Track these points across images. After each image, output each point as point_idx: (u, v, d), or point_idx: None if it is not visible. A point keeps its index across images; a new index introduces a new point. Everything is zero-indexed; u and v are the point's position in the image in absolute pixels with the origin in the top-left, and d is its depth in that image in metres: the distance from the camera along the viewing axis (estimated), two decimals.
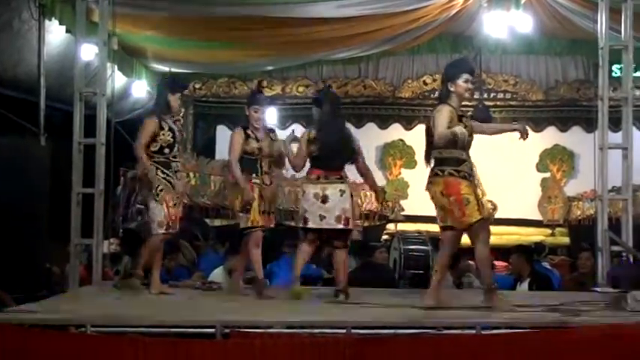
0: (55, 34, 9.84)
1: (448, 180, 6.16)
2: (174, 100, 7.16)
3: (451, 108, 6.19)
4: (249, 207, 6.99)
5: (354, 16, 11.78)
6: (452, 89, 6.26)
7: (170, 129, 7.06)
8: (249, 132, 7.16)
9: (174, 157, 7.11)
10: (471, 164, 6.24)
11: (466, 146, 6.22)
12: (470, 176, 6.19)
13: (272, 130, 7.38)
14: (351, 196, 7.07)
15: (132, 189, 10.84)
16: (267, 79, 15.48)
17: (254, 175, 7.09)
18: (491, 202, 13.09)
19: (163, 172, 7.00)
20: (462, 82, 6.25)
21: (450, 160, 6.18)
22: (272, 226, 7.31)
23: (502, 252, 9.53)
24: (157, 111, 7.14)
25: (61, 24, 9.54)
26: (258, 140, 7.13)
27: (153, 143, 6.99)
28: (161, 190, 6.97)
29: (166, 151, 7.04)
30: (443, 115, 6.12)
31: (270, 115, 14.76)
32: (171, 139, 7.04)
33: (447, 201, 6.16)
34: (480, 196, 6.29)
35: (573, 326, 5.52)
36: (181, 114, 14.04)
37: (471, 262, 9.14)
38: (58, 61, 10.06)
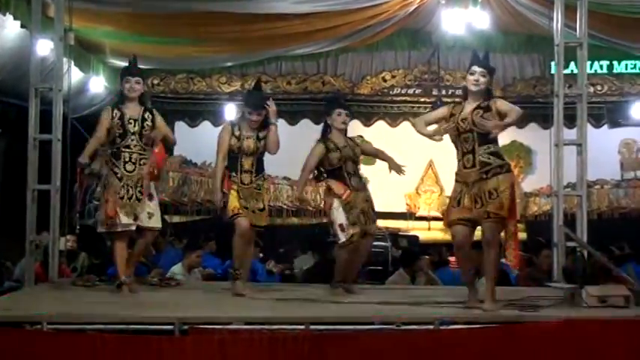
0: (10, 29, 9.71)
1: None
2: (128, 85, 7.06)
3: None
4: (226, 204, 6.86)
5: (311, 12, 11.77)
6: None
7: (120, 117, 6.96)
8: (234, 128, 7.02)
9: (127, 146, 6.97)
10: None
11: None
12: None
13: (267, 126, 7.07)
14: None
15: (89, 185, 10.73)
16: (227, 75, 15.44)
17: (233, 173, 6.94)
18: None
19: (113, 164, 6.94)
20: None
21: None
22: (262, 224, 7.08)
23: None
24: (115, 101, 7.12)
25: (15, 19, 9.41)
26: (239, 138, 6.96)
27: (108, 135, 6.97)
28: (104, 187, 6.98)
29: (118, 140, 6.97)
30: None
31: (230, 112, 14.81)
32: (121, 129, 6.93)
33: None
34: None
35: (531, 321, 5.58)
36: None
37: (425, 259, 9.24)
38: (12, 55, 9.93)
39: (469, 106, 6.22)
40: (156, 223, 7.13)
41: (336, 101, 7.46)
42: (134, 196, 6.95)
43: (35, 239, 7.70)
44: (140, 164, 7.00)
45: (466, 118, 6.16)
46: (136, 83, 7.10)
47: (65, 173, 7.83)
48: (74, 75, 10.56)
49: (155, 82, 15.41)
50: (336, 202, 7.03)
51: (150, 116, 7.09)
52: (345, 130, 7.25)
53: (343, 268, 7.10)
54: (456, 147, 6.25)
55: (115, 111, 7.01)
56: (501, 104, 6.21)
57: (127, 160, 6.97)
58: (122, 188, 6.92)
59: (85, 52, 12.14)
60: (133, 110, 7.05)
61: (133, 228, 6.99)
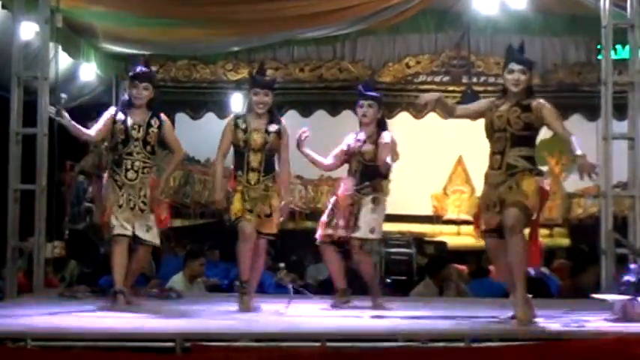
0: None
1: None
2: (135, 90, 7.15)
3: None
4: (232, 202, 6.88)
5: None
6: None
7: (124, 122, 7.04)
8: (239, 121, 7.04)
9: (130, 153, 7.07)
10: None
11: None
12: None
13: (279, 121, 7.14)
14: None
15: (78, 185, 10.75)
16: (233, 62, 15.42)
17: (239, 171, 6.96)
18: None
19: (114, 171, 7.06)
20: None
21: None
22: (273, 231, 7.12)
23: None
24: (120, 103, 7.22)
25: None
26: (245, 131, 6.98)
27: (111, 139, 7.11)
28: (104, 195, 7.11)
29: (120, 147, 7.07)
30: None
31: (237, 102, 14.80)
32: (124, 135, 7.03)
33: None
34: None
35: (576, 338, 5.53)
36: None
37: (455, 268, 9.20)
38: None
39: (508, 103, 6.23)
40: (153, 237, 7.18)
41: (358, 90, 7.53)
42: (137, 207, 7.04)
43: (18, 245, 7.71)
44: (143, 172, 7.11)
45: (502, 116, 6.19)
46: (144, 89, 7.20)
47: (52, 172, 7.85)
48: (62, 61, 10.54)
49: (153, 69, 15.39)
50: (332, 198, 7.38)
51: (157, 122, 7.19)
52: (373, 123, 7.28)
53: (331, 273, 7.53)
54: (490, 145, 6.28)
55: (120, 115, 7.07)
56: (547, 112, 6.25)
57: (128, 167, 7.09)
58: (122, 197, 7.00)
59: (74, 36, 12.12)
60: (138, 116, 7.17)
61: (130, 234, 7.02)
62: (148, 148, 7.14)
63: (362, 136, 7.31)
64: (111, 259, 7.03)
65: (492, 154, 6.22)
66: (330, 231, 7.28)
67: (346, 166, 7.46)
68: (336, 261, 7.44)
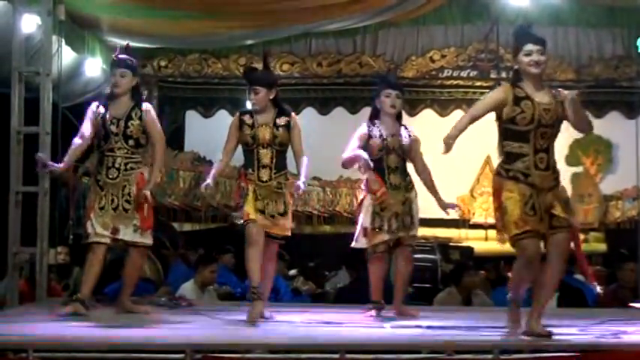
0: None
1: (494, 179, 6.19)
2: (113, 78, 7.14)
3: None
4: (243, 204, 6.85)
5: None
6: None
7: (102, 117, 7.03)
8: (245, 117, 7.01)
9: (111, 149, 7.02)
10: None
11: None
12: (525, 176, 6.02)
13: (288, 114, 7.07)
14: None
15: (83, 187, 10.80)
16: (247, 56, 15.44)
17: (249, 169, 6.93)
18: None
19: (97, 171, 7.06)
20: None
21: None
22: (286, 234, 7.05)
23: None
24: (103, 96, 7.21)
25: None
26: (253, 127, 6.94)
27: (95, 137, 7.10)
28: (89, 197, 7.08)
29: (102, 143, 7.06)
30: None
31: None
32: (103, 130, 7.00)
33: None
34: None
35: (612, 349, 5.52)
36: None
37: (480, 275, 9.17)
38: None
39: (542, 93, 6.09)
40: (144, 238, 7.11)
41: (385, 80, 7.53)
42: (120, 207, 6.99)
43: (20, 251, 7.75)
44: (126, 169, 7.02)
45: (549, 109, 6.02)
46: (121, 77, 7.12)
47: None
48: (65, 56, 10.62)
49: (162, 64, 15.42)
50: (367, 199, 7.16)
51: (138, 113, 7.09)
52: (397, 115, 7.32)
53: (373, 284, 7.28)
54: (522, 139, 6.03)
55: (100, 108, 7.07)
56: (576, 107, 6.06)
57: (110, 165, 7.03)
58: (103, 197, 6.97)
59: (78, 29, 12.18)
60: (119, 108, 7.09)
61: (108, 241, 6.97)
62: (131, 142, 7.04)
63: (390, 129, 7.29)
64: (90, 270, 7.00)
65: (536, 151, 5.99)
66: (385, 237, 7.20)
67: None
68: (384, 271, 7.47)
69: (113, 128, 7.01)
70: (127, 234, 7.00)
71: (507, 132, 6.06)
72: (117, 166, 7.00)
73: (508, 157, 6.06)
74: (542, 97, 6.06)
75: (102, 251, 6.99)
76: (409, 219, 7.23)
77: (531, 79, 6.11)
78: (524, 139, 6.02)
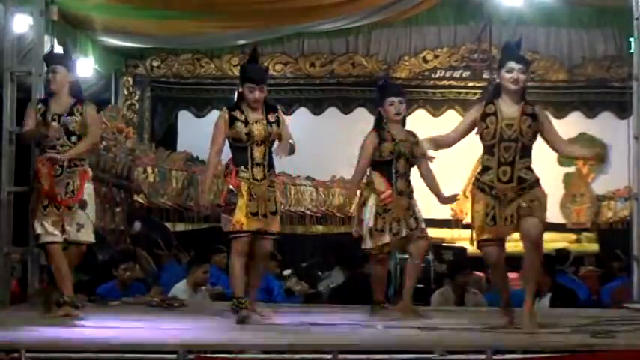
0: None
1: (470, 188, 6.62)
2: (48, 75, 7.07)
3: None
4: (233, 206, 6.76)
5: None
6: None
7: (43, 114, 6.93)
8: (235, 113, 6.84)
9: (53, 147, 6.89)
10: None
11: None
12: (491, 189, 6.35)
13: (275, 109, 7.02)
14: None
15: None
16: (239, 56, 15.41)
17: (242, 167, 6.84)
18: None
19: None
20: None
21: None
22: (274, 230, 6.97)
23: (516, 261, 9.52)
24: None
25: None
26: (247, 123, 6.81)
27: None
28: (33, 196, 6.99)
29: (45, 141, 6.95)
30: None
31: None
32: (44, 127, 6.87)
33: None
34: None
35: (605, 350, 5.52)
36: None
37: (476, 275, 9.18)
38: None
39: (512, 109, 6.35)
40: (86, 236, 7.04)
41: (387, 88, 7.52)
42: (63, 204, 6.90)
43: (11, 251, 7.73)
44: (70, 166, 6.89)
45: (512, 125, 6.29)
46: (53, 72, 7.04)
47: None
48: None
49: (155, 64, 15.42)
50: (372, 200, 7.11)
51: (79, 109, 7.00)
52: (403, 122, 7.31)
53: (375, 284, 7.22)
54: (489, 153, 6.37)
55: (40, 105, 7.01)
56: (548, 125, 6.47)
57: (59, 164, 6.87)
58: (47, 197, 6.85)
59: (70, 29, 12.17)
60: (59, 105, 7.00)
61: (59, 239, 6.89)
62: (73, 139, 6.92)
63: (400, 135, 7.27)
64: (52, 269, 6.97)
65: (500, 164, 6.31)
66: (387, 239, 7.17)
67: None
68: (386, 271, 7.51)
69: (55, 125, 6.89)
70: (71, 233, 6.90)
71: (482, 146, 6.41)
72: (59, 163, 6.86)
73: (482, 169, 6.44)
74: (511, 113, 6.33)
75: (58, 249, 6.88)
76: (414, 221, 7.21)
77: (509, 94, 6.38)
78: (490, 153, 6.37)
